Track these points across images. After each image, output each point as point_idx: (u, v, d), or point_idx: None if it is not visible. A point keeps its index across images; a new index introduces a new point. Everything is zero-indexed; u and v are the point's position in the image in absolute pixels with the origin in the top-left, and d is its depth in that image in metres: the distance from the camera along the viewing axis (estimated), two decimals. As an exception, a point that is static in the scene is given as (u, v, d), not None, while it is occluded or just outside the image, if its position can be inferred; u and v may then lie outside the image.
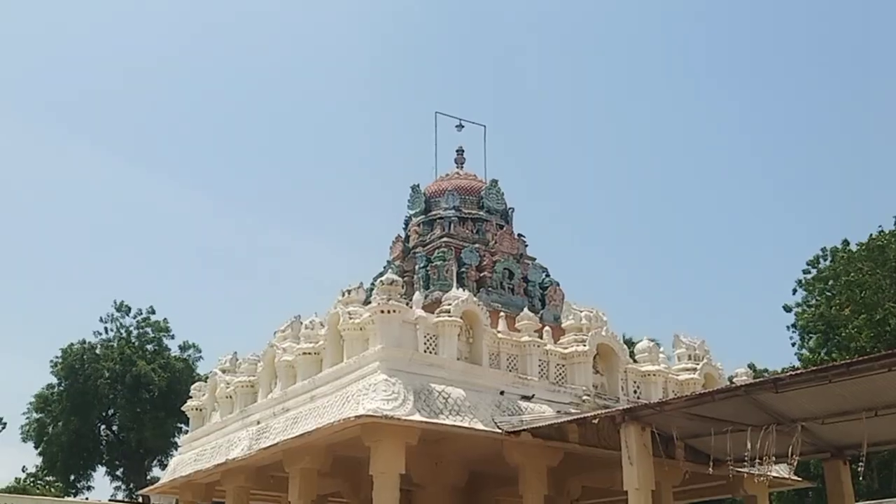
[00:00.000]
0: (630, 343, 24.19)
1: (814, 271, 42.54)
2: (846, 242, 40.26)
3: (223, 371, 21.89)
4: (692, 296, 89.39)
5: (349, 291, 17.03)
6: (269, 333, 20.38)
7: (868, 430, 11.51)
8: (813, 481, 21.27)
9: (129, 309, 55.17)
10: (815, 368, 14.85)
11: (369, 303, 16.26)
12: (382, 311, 15.28)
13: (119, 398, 51.54)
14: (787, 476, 18.78)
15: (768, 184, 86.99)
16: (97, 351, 52.67)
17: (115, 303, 55.10)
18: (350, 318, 16.18)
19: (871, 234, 39.46)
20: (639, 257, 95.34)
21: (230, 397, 20.73)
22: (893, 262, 36.43)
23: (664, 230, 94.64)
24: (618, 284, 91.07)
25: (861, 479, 32.42)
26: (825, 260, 41.98)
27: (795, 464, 13.49)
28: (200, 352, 56.60)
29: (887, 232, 38.34)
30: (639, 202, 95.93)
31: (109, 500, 46.57)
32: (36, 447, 52.37)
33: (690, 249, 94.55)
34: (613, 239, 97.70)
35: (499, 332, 16.61)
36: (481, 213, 21.63)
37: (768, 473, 17.90)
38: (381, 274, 17.64)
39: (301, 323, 18.72)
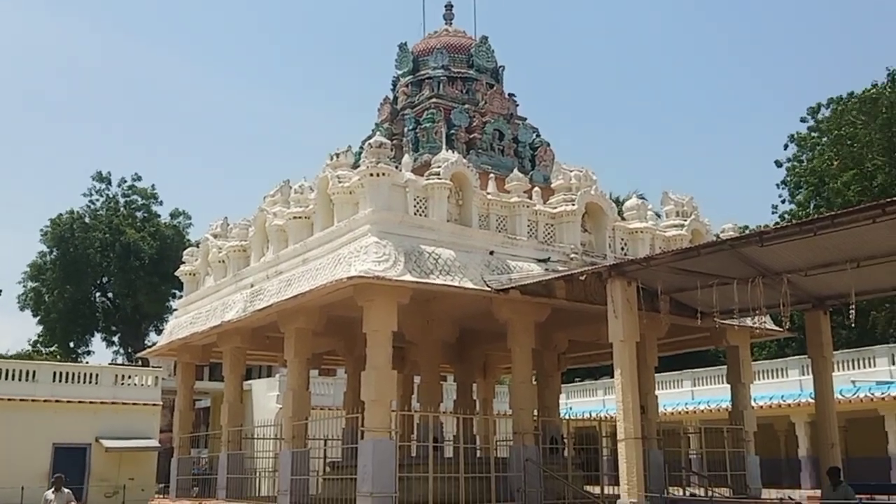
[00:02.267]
0: (619, 202, 24.36)
1: (811, 121, 42.21)
2: (851, 94, 39.77)
3: (215, 236, 22.02)
4: (683, 154, 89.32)
5: (337, 155, 16.91)
6: (258, 199, 20.42)
7: (849, 280, 11.76)
8: (793, 332, 21.95)
9: (110, 179, 54.84)
10: (800, 221, 15.05)
11: (358, 166, 16.19)
12: (372, 175, 15.25)
13: (111, 266, 52.07)
14: (768, 327, 19.38)
15: (763, 42, 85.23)
16: (86, 220, 52.74)
17: (96, 174, 54.75)
18: (339, 182, 16.15)
19: (864, 88, 39.10)
20: (630, 115, 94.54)
21: (223, 262, 20.95)
22: (885, 116, 36.27)
23: (657, 88, 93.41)
24: (609, 143, 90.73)
25: (842, 329, 33.64)
26: (826, 109, 41.58)
27: (789, 316, 13.87)
28: (190, 219, 56.83)
29: (880, 85, 37.98)
30: (631, 59, 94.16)
31: (110, 364, 47.86)
32: (34, 315, 53.32)
33: (683, 107, 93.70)
34: (605, 97, 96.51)
35: (488, 193, 16.66)
36: (471, 71, 21.19)
37: (750, 324, 18.54)
38: (370, 137, 17.46)
39: (290, 187, 18.70)
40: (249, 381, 32.14)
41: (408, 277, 14.21)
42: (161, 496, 24.58)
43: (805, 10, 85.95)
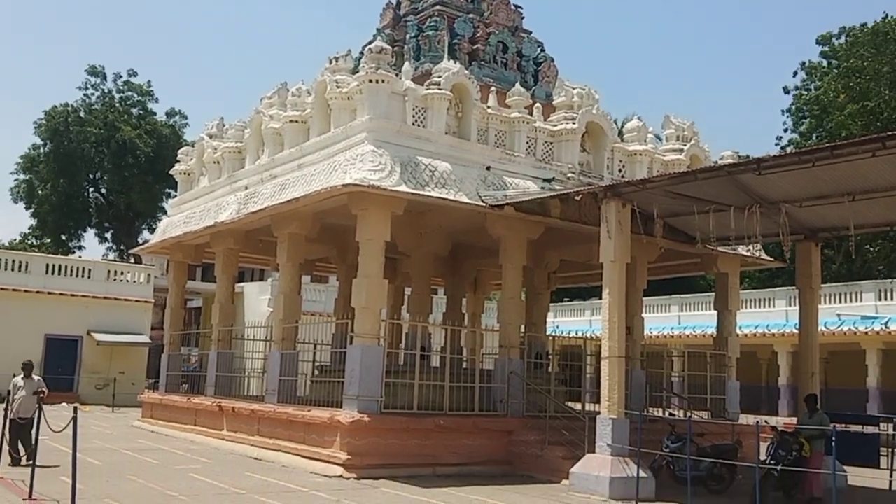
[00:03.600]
0: (620, 124, 24.10)
1: (825, 48, 41.45)
2: (864, 25, 39.02)
3: (210, 136, 21.82)
4: (690, 79, 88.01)
5: (337, 59, 16.60)
6: (255, 100, 20.17)
7: (844, 213, 11.74)
8: (784, 263, 22.05)
9: (105, 74, 53.86)
10: (799, 151, 14.93)
11: (357, 72, 15.92)
12: (371, 81, 15.00)
13: (105, 162, 51.67)
14: (760, 256, 19.48)
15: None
16: (81, 114, 52.05)
17: (90, 67, 53.75)
18: (337, 87, 15.91)
19: (875, 21, 38.34)
20: (640, 37, 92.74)
21: (218, 162, 20.81)
22: (893, 49, 35.65)
23: (669, 11, 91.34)
24: (614, 64, 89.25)
25: (831, 264, 33.85)
26: (838, 38, 40.82)
27: (788, 246, 13.88)
28: (186, 118, 56.18)
29: (892, 18, 37.22)
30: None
31: (102, 259, 48.05)
32: (27, 208, 53.14)
33: (693, 30, 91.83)
34: (614, 15, 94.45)
35: (488, 107, 16.44)
36: (477, -22, 20.62)
37: (743, 252, 18.62)
38: (371, 42, 17.09)
39: (288, 90, 18.43)
40: (241, 284, 32.37)
41: (403, 188, 14.14)
42: (151, 391, 25.02)
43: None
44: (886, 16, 37.59)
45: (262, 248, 20.03)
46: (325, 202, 15.04)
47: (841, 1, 77.14)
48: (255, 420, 16.61)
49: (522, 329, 17.48)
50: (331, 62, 16.63)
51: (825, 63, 41.47)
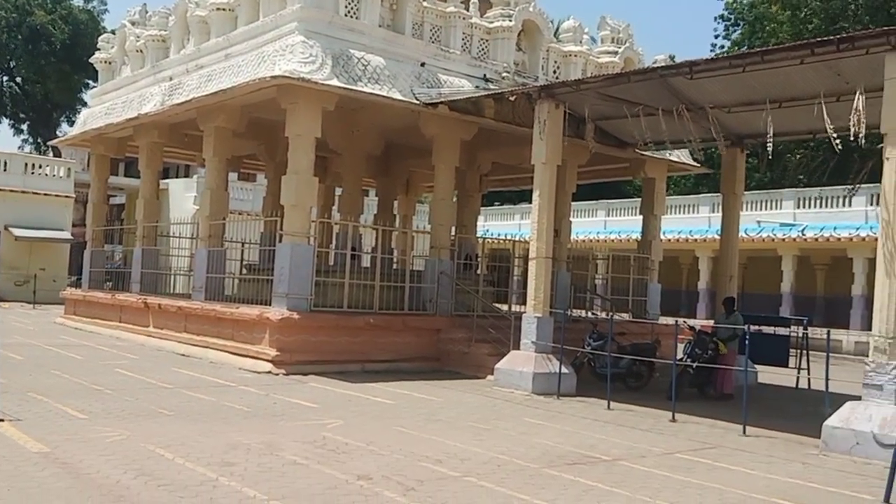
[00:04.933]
0: (556, 24, 23.83)
1: None
2: None
3: (133, 24, 20.83)
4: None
5: (266, -56, 15.82)
6: (179, -14, 19.18)
7: (771, 121, 11.92)
8: (710, 168, 22.50)
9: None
10: (729, 55, 15.02)
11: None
12: (302, -32, 14.39)
13: (18, 49, 48.99)
14: (686, 161, 19.81)
15: None
16: (-11, -5, 48.97)
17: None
18: (267, -26, 15.24)
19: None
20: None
21: (141, 51, 19.94)
22: (829, -40, 35.74)
23: None
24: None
25: (755, 172, 34.69)
26: None
27: (714, 150, 14.10)
28: (106, 4, 53.51)
29: (829, -73, 37.13)
30: None
31: (18, 151, 46.10)
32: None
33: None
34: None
35: (424, 0, 16.00)
36: None
37: (670, 157, 18.89)
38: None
39: (214, -24, 17.58)
40: (166, 181, 31.58)
41: (335, 82, 13.79)
42: (73, 288, 24.51)
43: None
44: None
45: (188, 142, 19.45)
46: (253, 95, 14.59)
47: None
48: (183, 317, 16.47)
49: (453, 231, 17.56)
50: (260, -53, 15.86)
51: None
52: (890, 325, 9.02)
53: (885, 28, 9.64)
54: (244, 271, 18.95)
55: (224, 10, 16.55)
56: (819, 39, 10.71)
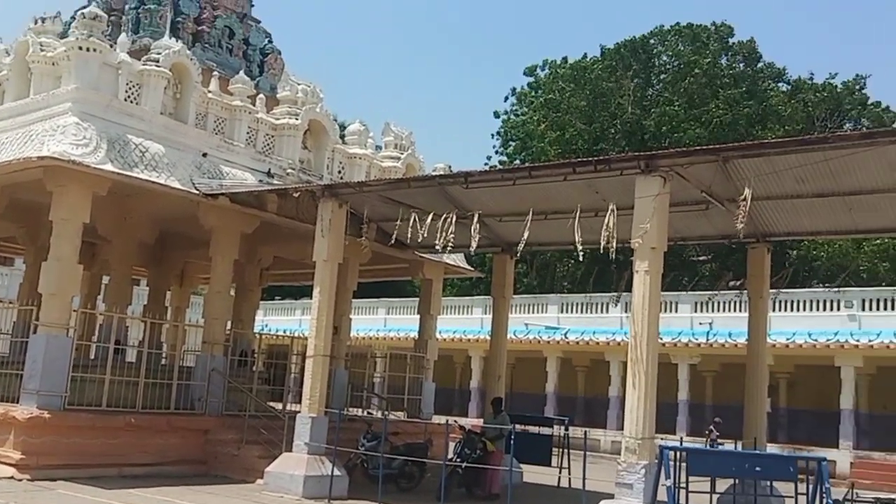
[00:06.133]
0: (343, 126, 24.42)
1: (531, 78, 45.04)
2: (565, 59, 42.87)
3: None
4: (415, 91, 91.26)
5: (43, 20, 15.22)
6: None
7: (537, 231, 12.80)
8: (483, 273, 23.61)
9: None
10: (502, 168, 16.02)
11: (67, 37, 14.65)
12: (80, 48, 13.88)
13: None
14: (462, 265, 20.67)
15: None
16: None
17: None
18: (42, 51, 14.54)
19: (577, 59, 42.30)
20: (369, 38, 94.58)
21: None
22: (590, 88, 39.60)
23: (404, 26, 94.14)
24: (344, 68, 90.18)
25: (524, 277, 36.81)
26: (542, 70, 44.52)
27: (474, 248, 14.71)
28: None
29: (590, 59, 41.31)
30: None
31: None
32: None
33: (424, 40, 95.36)
34: (350, 14, 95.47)
35: (209, 91, 15.90)
36: (208, -41, 19.86)
37: (447, 261, 19.64)
38: (85, 7, 15.81)
39: (-19, 47, 16.51)
40: None
41: (108, 167, 13.21)
42: None
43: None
44: (586, 55, 41.69)
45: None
46: (17, 175, 13.61)
47: (558, 31, 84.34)
48: None
49: (229, 326, 17.06)
50: (36, 22, 15.20)
51: (532, 92, 45.07)
52: (639, 427, 9.75)
53: (637, 153, 10.79)
54: (-10, 364, 17.17)
55: (-11, 83, 15.53)
56: (580, 160, 11.80)
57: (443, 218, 12.47)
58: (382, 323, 36.92)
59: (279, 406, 17.79)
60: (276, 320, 38.67)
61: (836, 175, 11.26)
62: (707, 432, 23.16)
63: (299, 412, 13.33)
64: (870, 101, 38.25)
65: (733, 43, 39.80)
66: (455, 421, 16.59)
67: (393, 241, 14.32)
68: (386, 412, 16.75)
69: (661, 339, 24.65)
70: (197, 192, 14.48)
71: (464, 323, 33.61)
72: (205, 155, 15.23)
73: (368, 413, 18.21)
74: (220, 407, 15.22)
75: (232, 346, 16.52)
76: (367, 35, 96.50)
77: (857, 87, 38.38)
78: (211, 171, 15.13)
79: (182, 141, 14.98)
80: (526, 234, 12.02)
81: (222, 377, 15.40)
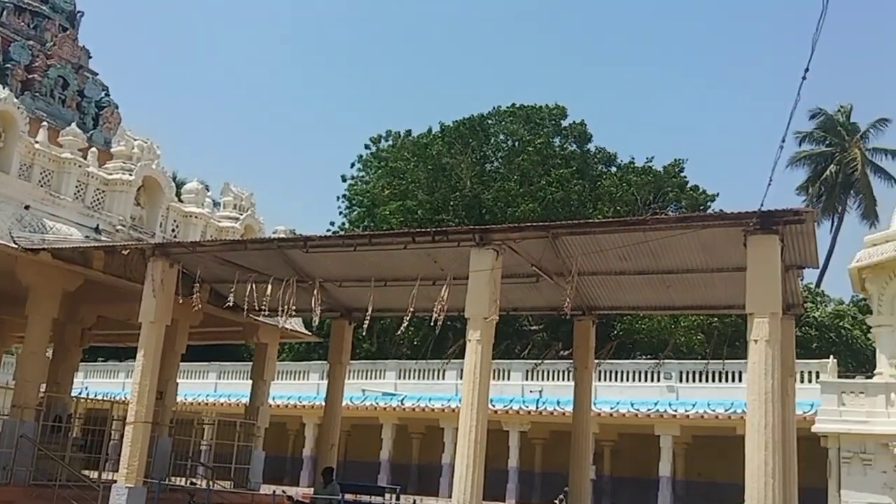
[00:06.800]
0: (180, 184, 23.83)
1: (374, 148, 45.81)
2: (408, 132, 43.95)
3: None
4: (263, 150, 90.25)
5: None
6: None
7: (376, 297, 12.90)
8: (321, 337, 23.35)
9: None
10: (343, 235, 16.14)
11: None
12: None
13: None
14: (298, 329, 20.40)
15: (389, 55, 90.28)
16: None
17: None
18: None
19: (420, 133, 43.48)
20: (214, 98, 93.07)
21: None
22: (431, 162, 40.71)
23: (249, 76, 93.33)
24: (185, 126, 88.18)
25: (364, 343, 36.66)
26: (386, 140, 45.38)
27: (317, 319, 14.62)
28: None
29: (432, 134, 42.59)
30: (232, 50, 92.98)
31: None
32: None
33: (273, 104, 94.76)
34: (191, 76, 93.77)
35: (36, 142, 15.16)
36: (44, 7, 19.12)
37: (283, 325, 19.33)
38: None
39: None
40: None
41: (-86, 215, 12.24)
42: None
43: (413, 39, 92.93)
44: (430, 129, 42.87)
45: None
46: None
47: (402, 103, 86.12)
48: None
49: (43, 388, 15.95)
50: None
51: (376, 161, 45.75)
52: (467, 495, 9.88)
53: (473, 227, 11.18)
54: None
55: None
56: (419, 230, 12.08)
57: (283, 285, 12.34)
58: (213, 388, 35.54)
59: (96, 475, 16.70)
60: (97, 383, 36.37)
61: (655, 255, 12.07)
62: (557, 501, 23.57)
63: (115, 482, 12.58)
64: (688, 185, 41.21)
65: (566, 126, 42.08)
66: (283, 491, 16.19)
67: (231, 304, 13.98)
68: (211, 482, 16.06)
69: (493, 406, 25.25)
70: (16, 246, 13.64)
71: (299, 389, 32.92)
72: (27, 207, 14.44)
73: (192, 483, 17.39)
74: (27, 476, 14.12)
75: (45, 411, 15.45)
76: (213, 94, 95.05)
77: (677, 170, 41.28)
78: (33, 225, 14.33)
79: (2, 192, 14.16)
80: (371, 307, 12.11)
81: (33, 444, 14.33)
